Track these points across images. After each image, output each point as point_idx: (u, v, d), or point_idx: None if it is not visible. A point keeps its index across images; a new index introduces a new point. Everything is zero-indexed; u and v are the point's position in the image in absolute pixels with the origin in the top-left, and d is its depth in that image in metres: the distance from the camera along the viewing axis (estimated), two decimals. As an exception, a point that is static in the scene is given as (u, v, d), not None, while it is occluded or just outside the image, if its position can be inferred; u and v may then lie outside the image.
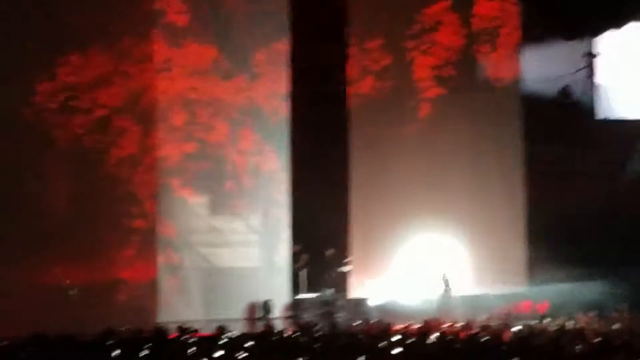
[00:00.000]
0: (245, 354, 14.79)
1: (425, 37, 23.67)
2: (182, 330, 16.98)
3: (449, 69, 23.72)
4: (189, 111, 22.35)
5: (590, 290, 22.21)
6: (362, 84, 23.39)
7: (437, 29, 23.73)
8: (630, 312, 19.51)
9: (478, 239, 23.34)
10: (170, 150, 22.17)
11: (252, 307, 22.44)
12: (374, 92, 23.40)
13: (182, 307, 22.06)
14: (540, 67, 24.60)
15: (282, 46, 22.88)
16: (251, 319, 22.12)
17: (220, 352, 14.73)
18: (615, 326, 17.62)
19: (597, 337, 15.78)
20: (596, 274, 22.83)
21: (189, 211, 22.47)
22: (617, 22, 25.25)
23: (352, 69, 23.39)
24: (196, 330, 17.17)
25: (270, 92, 22.90)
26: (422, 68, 23.64)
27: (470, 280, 22.99)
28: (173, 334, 16.71)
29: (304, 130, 23.25)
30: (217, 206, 22.75)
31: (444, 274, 22.57)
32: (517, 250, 23.53)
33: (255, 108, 22.85)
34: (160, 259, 22.10)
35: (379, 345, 15.44)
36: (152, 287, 21.82)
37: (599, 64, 25.24)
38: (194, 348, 15.02)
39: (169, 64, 22.22)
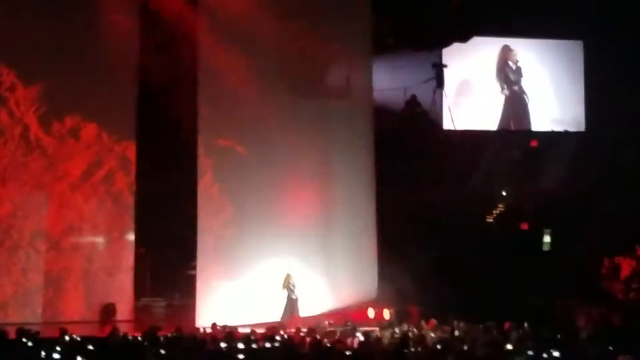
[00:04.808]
0: (87, 357, 14.59)
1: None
2: (22, 332, 16.62)
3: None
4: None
5: (437, 297, 22.53)
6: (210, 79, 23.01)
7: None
8: (470, 319, 19.85)
9: (330, 251, 23.39)
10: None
11: (96, 310, 22.12)
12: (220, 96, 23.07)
13: (21, 309, 21.62)
14: (390, 77, 24.93)
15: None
16: (94, 322, 21.79)
17: (61, 355, 14.49)
18: (456, 333, 17.95)
19: (437, 344, 16.10)
20: (443, 282, 23.20)
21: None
22: (463, 35, 25.81)
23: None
24: (37, 333, 16.83)
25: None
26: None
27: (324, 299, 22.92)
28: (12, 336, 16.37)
29: (152, 130, 23.11)
30: (59, 204, 22.40)
31: (289, 277, 22.42)
32: (370, 262, 23.68)
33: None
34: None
35: (224, 349, 15.43)
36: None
37: (445, 75, 25.70)
38: (35, 350, 14.75)
39: None
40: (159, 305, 23.64)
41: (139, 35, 22.69)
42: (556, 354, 14.59)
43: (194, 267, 22.82)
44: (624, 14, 25.37)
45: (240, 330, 18.63)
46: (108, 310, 22.11)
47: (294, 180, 23.24)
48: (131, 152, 22.84)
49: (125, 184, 22.83)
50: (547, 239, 26.46)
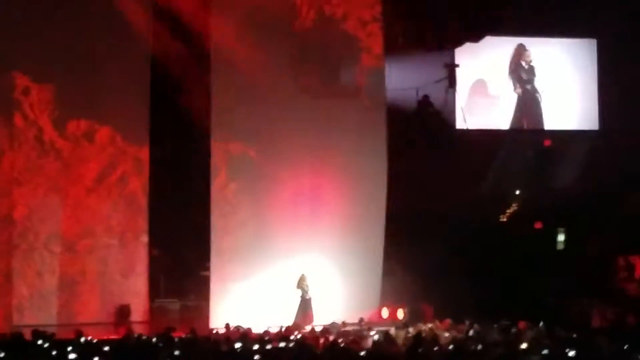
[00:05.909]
0: (102, 359, 14.62)
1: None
2: (38, 334, 16.68)
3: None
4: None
5: (451, 297, 22.47)
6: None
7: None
8: (483, 319, 19.83)
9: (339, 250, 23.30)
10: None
11: (111, 312, 22.16)
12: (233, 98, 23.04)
13: (36, 311, 21.69)
14: (402, 77, 24.89)
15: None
16: (109, 323, 21.82)
17: (76, 357, 14.53)
18: (470, 333, 17.93)
19: (451, 344, 16.08)
20: (457, 281, 23.16)
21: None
22: (476, 35, 25.77)
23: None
24: (52, 335, 16.89)
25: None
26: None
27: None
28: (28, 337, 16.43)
29: (165, 132, 23.18)
30: (73, 207, 22.45)
31: (303, 277, 22.43)
32: (383, 262, 23.59)
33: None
34: (15, 264, 21.76)
35: (238, 350, 15.45)
36: (6, 291, 21.45)
37: (458, 74, 25.66)
38: (51, 352, 14.80)
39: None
40: (173, 306, 23.62)
41: (152, 38, 22.73)
42: (571, 353, 14.57)
43: (208, 268, 22.86)
44: (638, 12, 25.31)
45: (254, 331, 18.66)
46: (123, 312, 22.14)
47: (307, 180, 23.23)
48: (145, 154, 22.87)
49: (139, 186, 22.86)
50: (561, 238, 26.42)
